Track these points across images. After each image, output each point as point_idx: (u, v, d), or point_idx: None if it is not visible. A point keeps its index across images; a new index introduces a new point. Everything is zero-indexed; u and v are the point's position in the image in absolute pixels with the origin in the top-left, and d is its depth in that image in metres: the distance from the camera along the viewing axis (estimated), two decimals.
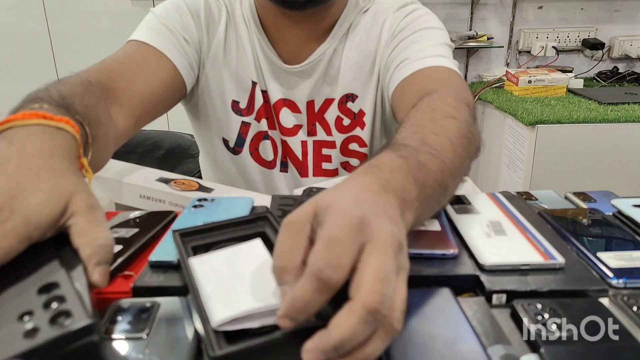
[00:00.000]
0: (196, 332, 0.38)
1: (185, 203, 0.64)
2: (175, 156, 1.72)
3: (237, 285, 0.38)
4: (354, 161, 0.88)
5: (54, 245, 0.41)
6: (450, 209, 0.57)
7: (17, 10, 1.97)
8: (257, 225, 0.48)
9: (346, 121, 0.85)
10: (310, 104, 0.84)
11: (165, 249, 0.48)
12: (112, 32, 1.91)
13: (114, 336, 0.37)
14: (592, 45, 2.17)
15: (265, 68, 0.82)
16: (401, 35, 0.79)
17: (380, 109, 0.85)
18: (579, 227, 0.54)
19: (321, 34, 0.81)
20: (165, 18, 0.77)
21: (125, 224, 0.55)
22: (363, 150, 0.87)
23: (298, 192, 0.69)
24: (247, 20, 0.81)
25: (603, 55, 2.22)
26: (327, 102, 0.84)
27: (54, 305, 0.32)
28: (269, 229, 0.47)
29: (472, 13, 2.20)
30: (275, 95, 0.83)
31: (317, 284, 0.31)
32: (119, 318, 0.39)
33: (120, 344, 0.36)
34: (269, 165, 0.88)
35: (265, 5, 0.79)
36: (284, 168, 0.88)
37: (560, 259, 0.47)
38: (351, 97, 0.84)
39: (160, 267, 0.46)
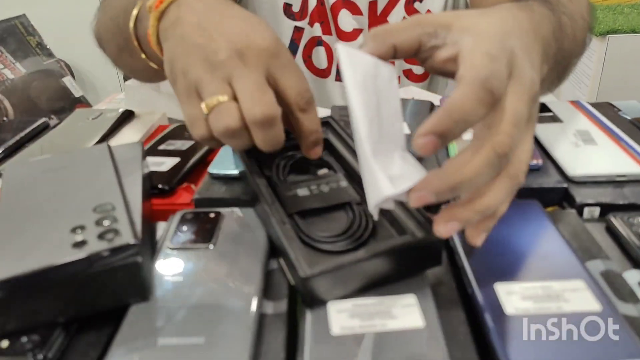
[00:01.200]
0: (268, 241, 0.36)
1: None
2: None
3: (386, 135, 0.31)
4: (417, 69, 0.82)
5: (113, 165, 0.39)
6: None
7: None
8: None
9: None
10: (372, 4, 0.78)
11: (225, 161, 0.45)
12: None
13: (179, 247, 0.35)
14: None
15: None
16: None
17: (451, 9, 0.78)
18: None
19: None
20: None
21: (181, 135, 0.53)
22: None
23: None
24: None
25: None
26: (392, 3, 0.78)
27: (106, 222, 0.31)
28: (331, 135, 0.43)
29: None
30: None
31: (482, 93, 0.27)
32: (183, 228, 0.37)
33: (187, 254, 0.34)
34: (323, 73, 0.83)
35: None
36: (339, 77, 0.83)
37: None
38: None
39: (220, 178, 0.44)
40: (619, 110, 0.55)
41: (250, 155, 0.40)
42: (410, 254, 0.32)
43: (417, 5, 0.78)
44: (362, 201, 0.36)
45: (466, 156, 0.27)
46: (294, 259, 0.30)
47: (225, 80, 0.33)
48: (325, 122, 0.44)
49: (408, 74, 0.83)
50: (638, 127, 0.50)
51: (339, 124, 0.43)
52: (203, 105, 0.33)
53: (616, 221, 0.37)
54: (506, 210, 0.30)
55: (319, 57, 0.81)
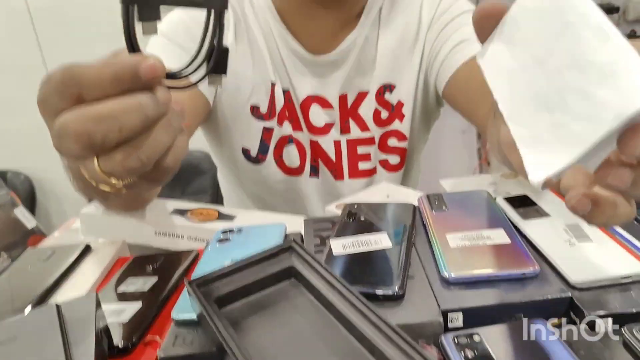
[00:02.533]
0: None
1: (206, 235, 0.57)
2: (185, 174, 1.66)
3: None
4: (393, 158, 0.81)
5: (61, 331, 0.34)
6: (514, 214, 0.49)
7: (9, 42, 1.91)
8: (282, 259, 0.40)
9: (384, 114, 0.79)
10: (342, 98, 0.78)
11: (189, 302, 0.40)
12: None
13: None
14: (607, 10, 2.07)
15: (289, 63, 0.76)
16: (445, 18, 0.74)
17: (421, 97, 0.79)
18: None
19: (349, 21, 0.76)
20: (173, 34, 0.71)
21: (142, 271, 0.48)
22: (402, 144, 0.80)
23: (331, 208, 0.61)
24: (261, 17, 0.76)
25: (619, 19, 2.12)
26: (361, 96, 0.78)
27: None
28: (297, 262, 0.39)
29: None
30: (303, 92, 0.77)
31: None
32: None
33: None
34: (296, 171, 0.81)
35: None
36: (314, 173, 0.81)
37: None
38: (389, 87, 0.78)
39: (188, 324, 0.39)
40: None
41: (207, 294, 0.36)
42: None
43: (387, 96, 0.78)
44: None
45: None
46: None
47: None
48: (287, 248, 0.40)
49: (384, 164, 0.81)
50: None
51: (304, 249, 0.39)
52: None
53: (633, 335, 0.33)
54: None
55: (291, 155, 0.80)
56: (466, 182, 0.64)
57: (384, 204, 0.54)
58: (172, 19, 0.74)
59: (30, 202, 1.85)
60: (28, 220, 0.70)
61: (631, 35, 2.09)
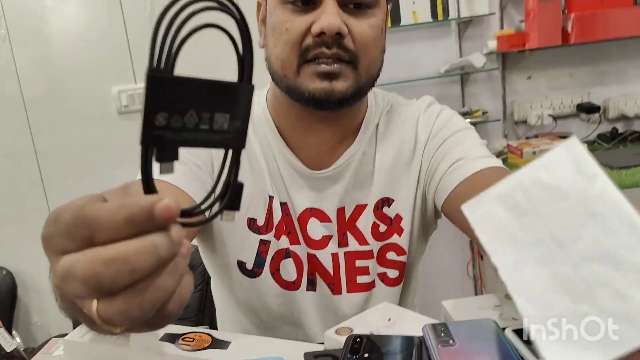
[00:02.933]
0: None
1: None
2: None
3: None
4: (392, 272, 0.79)
5: None
6: (523, 349, 0.47)
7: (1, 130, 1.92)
8: None
9: (382, 227, 0.78)
10: (340, 211, 0.78)
11: None
12: (101, 147, 1.85)
13: None
14: (587, 109, 2.15)
15: (287, 177, 0.76)
16: (442, 135, 0.77)
17: (419, 211, 0.79)
18: None
19: (346, 136, 0.77)
20: None
21: None
22: (401, 258, 0.79)
23: (330, 334, 0.58)
24: (260, 131, 0.77)
25: (600, 117, 2.20)
26: (359, 209, 0.78)
27: None
28: None
29: (462, 90, 2.19)
30: (301, 206, 0.77)
31: None
32: None
33: None
34: (293, 286, 0.78)
35: (287, 108, 0.75)
36: (311, 286, 0.79)
37: None
38: (387, 201, 0.78)
39: None
40: None
41: None
42: None
43: (385, 209, 0.78)
44: None
45: None
46: None
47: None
48: None
49: (383, 277, 0.79)
50: None
51: None
52: None
53: None
54: None
55: (287, 269, 0.78)
56: (469, 304, 0.62)
57: (389, 336, 0.51)
58: None
59: (12, 298, 1.78)
60: (7, 343, 0.66)
61: (613, 133, 2.16)
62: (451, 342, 0.49)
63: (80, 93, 1.87)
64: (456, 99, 2.20)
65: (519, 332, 0.50)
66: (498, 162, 0.72)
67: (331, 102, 0.68)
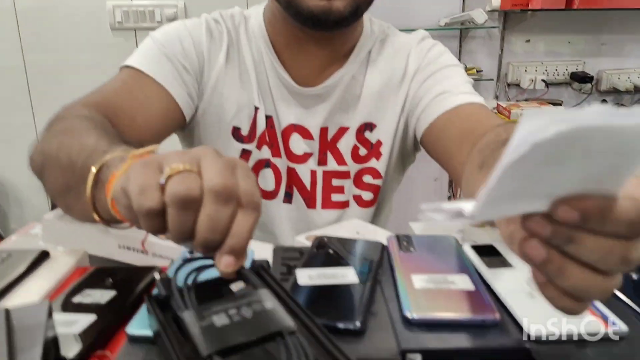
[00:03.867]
0: None
1: (172, 254, 0.55)
2: None
3: None
4: (366, 194, 0.82)
5: (7, 339, 0.33)
6: (479, 263, 0.50)
7: None
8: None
9: (362, 151, 0.81)
10: (323, 130, 0.80)
11: (147, 318, 0.39)
12: (93, 64, 1.82)
13: None
14: (581, 78, 2.16)
15: (276, 91, 0.78)
16: (430, 68, 0.78)
17: (400, 139, 0.81)
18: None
19: (338, 58, 0.78)
20: (164, 45, 0.73)
21: (100, 284, 0.46)
22: (377, 182, 0.82)
23: (300, 239, 0.61)
24: (255, 44, 0.78)
25: (592, 88, 2.21)
26: (342, 131, 0.80)
27: None
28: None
29: (460, 46, 2.18)
30: (285, 120, 0.79)
31: None
32: None
33: None
34: (270, 195, 0.81)
35: (282, 25, 0.75)
36: (287, 199, 0.81)
37: (623, 327, 0.39)
38: (370, 126, 0.80)
39: (142, 341, 0.38)
40: None
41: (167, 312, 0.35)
42: None
43: (367, 134, 0.80)
44: (297, 328, 0.32)
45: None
46: None
47: (194, 160, 0.34)
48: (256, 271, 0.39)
49: (358, 199, 0.82)
50: None
51: (269, 275, 0.39)
52: (164, 173, 0.33)
53: None
54: None
55: (266, 179, 0.80)
56: (435, 227, 0.65)
57: (354, 239, 0.54)
58: (169, 29, 0.76)
59: None
60: None
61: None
62: (412, 249, 0.52)
63: (75, 4, 1.83)
64: (453, 54, 2.19)
65: (477, 248, 0.53)
66: (480, 99, 0.74)
67: (329, 21, 0.68)
